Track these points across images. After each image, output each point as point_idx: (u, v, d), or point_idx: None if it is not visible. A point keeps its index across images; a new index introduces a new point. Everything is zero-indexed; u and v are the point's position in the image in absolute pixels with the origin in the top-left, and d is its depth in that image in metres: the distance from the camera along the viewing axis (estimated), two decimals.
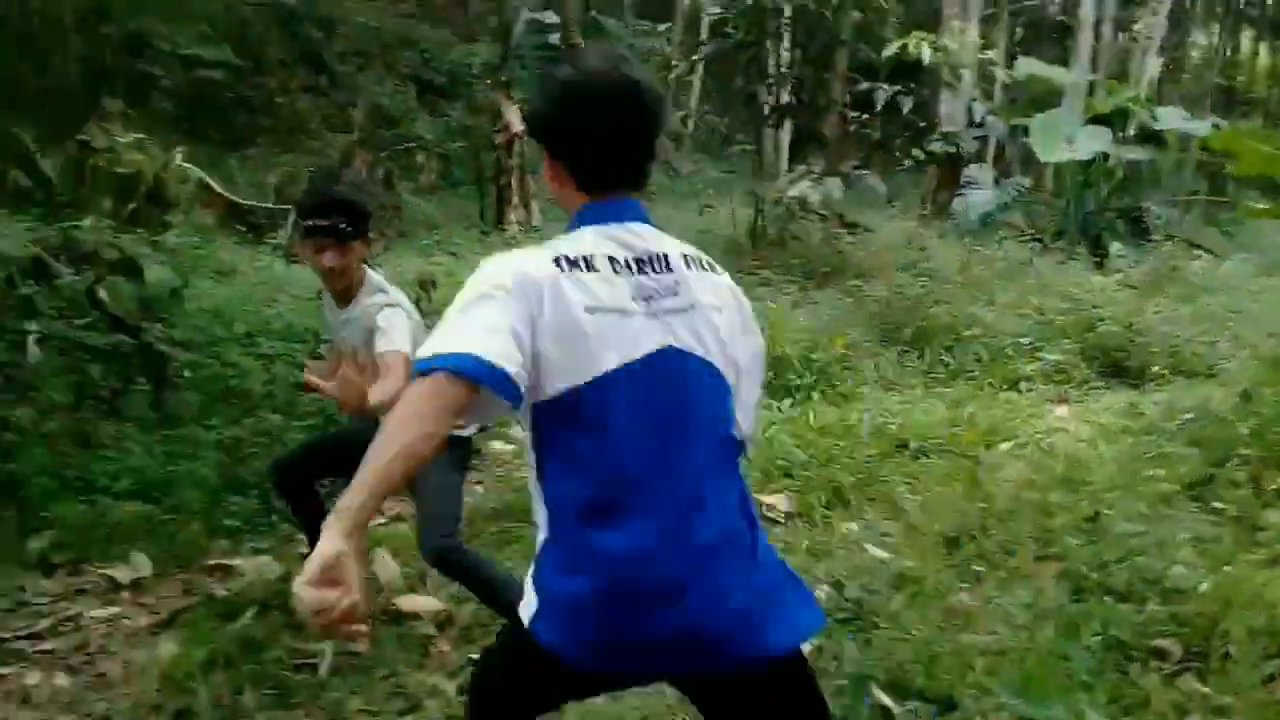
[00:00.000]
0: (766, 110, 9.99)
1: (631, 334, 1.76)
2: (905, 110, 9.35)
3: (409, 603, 3.77)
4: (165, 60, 14.66)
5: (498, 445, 5.70)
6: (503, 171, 12.55)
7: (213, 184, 7.18)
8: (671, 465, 1.77)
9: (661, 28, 16.72)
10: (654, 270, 1.83)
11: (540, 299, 1.71)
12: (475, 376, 1.60)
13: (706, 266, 1.93)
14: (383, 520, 4.76)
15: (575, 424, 1.75)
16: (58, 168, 8.03)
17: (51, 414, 4.70)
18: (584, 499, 1.76)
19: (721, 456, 1.85)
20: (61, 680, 3.35)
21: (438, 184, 15.82)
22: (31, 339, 5.03)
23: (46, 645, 3.55)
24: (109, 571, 4.07)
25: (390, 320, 3.14)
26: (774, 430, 5.58)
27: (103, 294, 5.07)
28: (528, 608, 1.83)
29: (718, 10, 9.85)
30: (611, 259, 1.80)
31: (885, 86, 9.12)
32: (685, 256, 1.89)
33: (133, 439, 4.78)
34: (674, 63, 13.07)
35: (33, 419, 4.61)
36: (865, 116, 9.79)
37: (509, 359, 1.63)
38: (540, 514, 1.83)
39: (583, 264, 1.77)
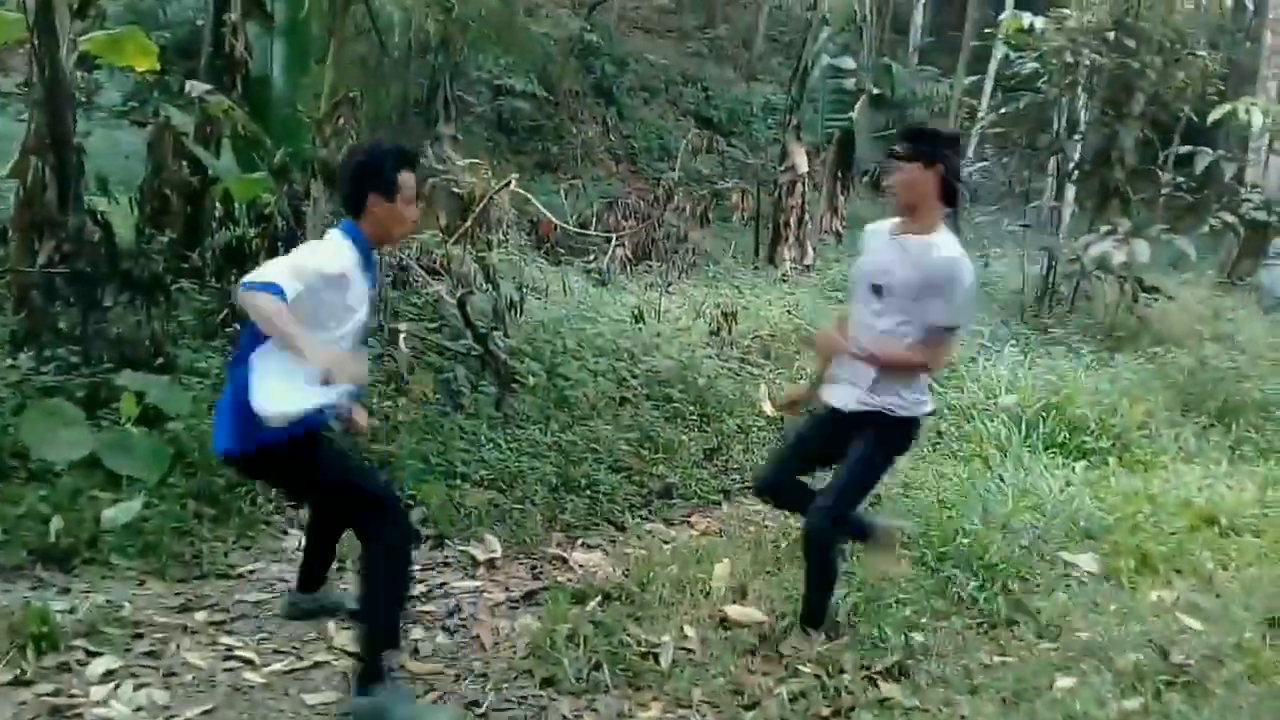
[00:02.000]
0: (1071, 166, 9.86)
1: None
2: (1228, 175, 9.02)
3: (736, 612, 4.08)
4: (477, 88, 15.99)
5: None
6: (781, 209, 12.86)
7: (543, 210, 7.85)
8: None
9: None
10: None
11: None
12: None
13: None
14: (695, 532, 5.13)
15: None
16: None
17: (419, 406, 5.33)
18: None
19: None
20: (442, 639, 3.86)
21: (710, 217, 16.33)
22: (402, 338, 5.73)
23: (426, 607, 4.08)
24: (467, 549, 4.61)
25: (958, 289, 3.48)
26: (1072, 490, 5.58)
27: (468, 304, 5.71)
28: None
29: (1029, 62, 9.76)
30: None
31: (1208, 150, 8.83)
32: None
33: (484, 434, 5.36)
34: (980, 114, 13.01)
35: (405, 408, 5.26)
36: (1177, 179, 9.52)
37: None
38: None
39: None
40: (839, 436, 3.74)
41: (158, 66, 6.83)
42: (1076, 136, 10.07)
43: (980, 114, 13.21)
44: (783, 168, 12.72)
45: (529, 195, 7.96)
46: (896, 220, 3.66)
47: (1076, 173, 10.18)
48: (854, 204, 16.37)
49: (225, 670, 3.40)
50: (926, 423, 3.92)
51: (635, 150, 18.10)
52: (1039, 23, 9.61)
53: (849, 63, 12.50)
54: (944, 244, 3.52)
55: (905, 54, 19.67)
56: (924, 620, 4.12)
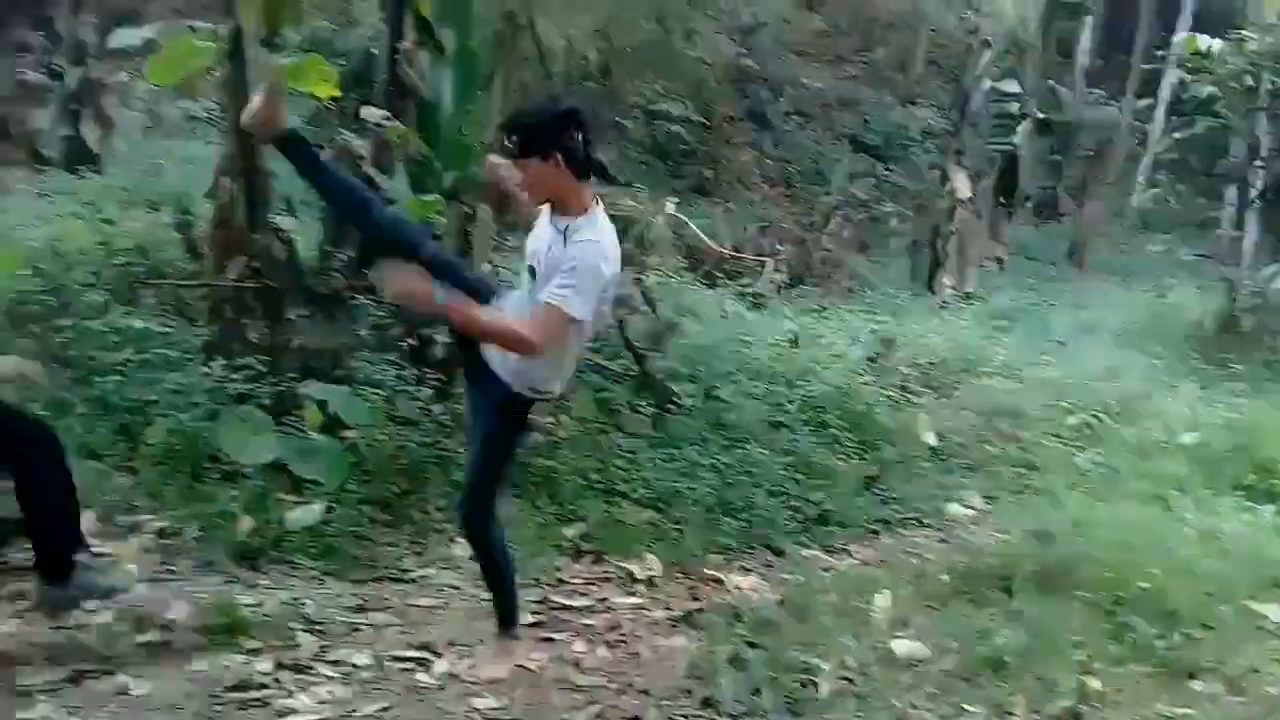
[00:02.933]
0: (1253, 194, 9.38)
1: None
2: None
3: (901, 647, 3.99)
4: (633, 114, 16.22)
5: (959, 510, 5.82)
6: (940, 235, 12.61)
7: (699, 233, 7.92)
8: None
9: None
10: None
11: None
12: None
13: None
14: (854, 561, 5.06)
15: None
16: None
17: (580, 423, 5.43)
18: None
19: None
20: (603, 652, 3.90)
21: (867, 242, 16.12)
22: None
23: (588, 621, 4.14)
24: (627, 565, 4.65)
25: (580, 270, 3.11)
26: (1261, 536, 5.28)
27: (627, 326, 5.80)
28: None
29: (1205, 86, 9.33)
30: None
31: None
32: None
33: (643, 453, 5.41)
34: (1151, 139, 12.53)
35: (565, 425, 5.36)
36: None
37: None
38: None
39: None
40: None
41: (338, 93, 7.19)
42: (1258, 163, 9.56)
43: (1152, 139, 12.68)
44: (943, 193, 12.49)
45: (685, 219, 8.02)
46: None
47: (1259, 201, 9.66)
48: (1017, 230, 15.95)
49: (401, 670, 3.51)
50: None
51: (790, 175, 18.02)
52: (1216, 45, 9.18)
53: (1013, 86, 12.23)
54: (586, 227, 3.20)
55: (1071, 77, 19.02)
56: (1099, 665, 3.95)
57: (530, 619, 4.03)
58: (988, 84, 11.95)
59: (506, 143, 3.26)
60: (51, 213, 8.10)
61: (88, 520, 4.22)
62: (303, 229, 6.47)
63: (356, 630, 3.72)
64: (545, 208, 3.34)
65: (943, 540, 5.40)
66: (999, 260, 14.14)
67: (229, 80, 5.54)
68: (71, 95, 11.00)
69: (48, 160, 10.79)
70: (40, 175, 9.94)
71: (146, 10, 17.77)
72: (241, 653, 3.44)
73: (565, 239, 3.19)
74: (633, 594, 4.45)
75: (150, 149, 12.93)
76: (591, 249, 3.14)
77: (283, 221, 6.08)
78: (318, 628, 3.70)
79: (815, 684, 3.70)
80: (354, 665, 3.49)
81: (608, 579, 4.57)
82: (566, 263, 3.12)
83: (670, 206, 7.78)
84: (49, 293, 5.47)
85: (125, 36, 6.56)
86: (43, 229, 7.20)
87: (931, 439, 6.35)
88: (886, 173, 18.12)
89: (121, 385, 4.93)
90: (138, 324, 5.38)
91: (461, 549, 4.50)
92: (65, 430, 4.61)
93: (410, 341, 5.58)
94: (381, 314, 5.85)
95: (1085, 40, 20.57)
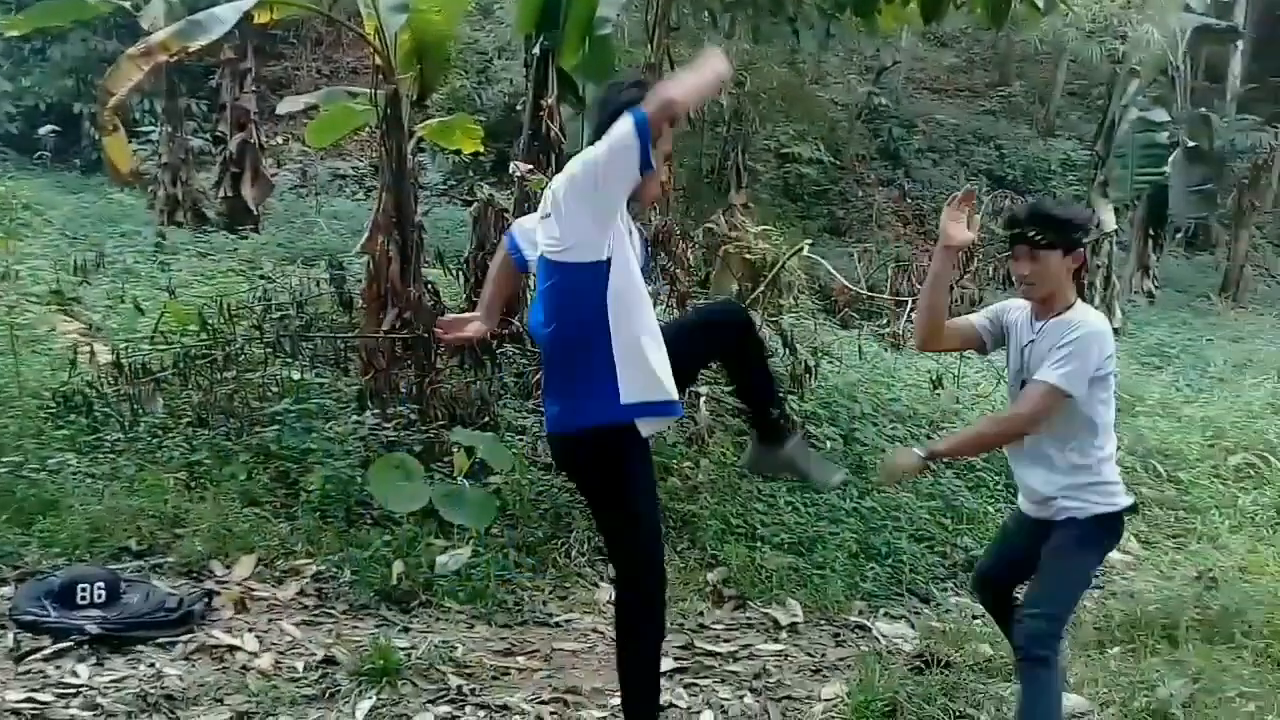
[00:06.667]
0: None
1: None
2: None
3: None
4: (764, 156, 16.28)
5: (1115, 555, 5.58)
6: (1086, 269, 12.23)
7: (835, 274, 7.87)
8: None
9: None
10: None
11: None
12: None
13: None
14: None
15: None
16: (694, 251, 9.26)
17: (719, 467, 5.44)
18: None
19: None
20: (750, 700, 3.87)
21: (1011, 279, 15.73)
22: (702, 401, 5.87)
23: (732, 668, 4.12)
24: (769, 612, 4.62)
25: (1076, 350, 3.15)
26: None
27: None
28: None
29: None
30: None
31: None
32: None
33: (783, 497, 5.38)
34: None
35: (705, 470, 5.37)
36: None
37: None
38: None
39: None
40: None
41: (481, 148, 7.47)
42: None
43: None
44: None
45: (820, 260, 7.98)
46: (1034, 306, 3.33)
47: None
48: (1167, 262, 15.33)
49: (551, 714, 3.57)
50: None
51: (925, 212, 17.75)
52: None
53: (1160, 115, 11.81)
54: (1079, 317, 3.24)
55: (1222, 103, 18.23)
56: (1270, 718, 3.73)
57: (674, 664, 4.05)
58: (1134, 113, 11.59)
59: (1025, 231, 3.20)
60: (214, 270, 8.61)
61: (249, 564, 4.47)
62: (446, 280, 6.72)
63: (506, 674, 3.79)
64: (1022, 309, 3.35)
65: (1098, 587, 5.18)
66: (1149, 293, 13.63)
67: (385, 140, 5.81)
68: (231, 159, 11.68)
69: (210, 221, 11.50)
70: (203, 235, 10.61)
71: (297, 78, 18.80)
72: (392, 694, 3.55)
73: (1057, 331, 3.20)
74: (776, 640, 4.42)
75: (301, 207, 13.66)
76: (1088, 333, 3.16)
77: (430, 273, 6.32)
78: (467, 671, 3.79)
79: None
80: (503, 708, 3.56)
81: (750, 625, 4.55)
82: (1061, 348, 3.15)
83: (805, 248, 7.73)
84: (214, 346, 5.80)
85: (290, 103, 6.96)
86: (206, 286, 7.67)
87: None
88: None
89: (280, 434, 5.18)
90: (295, 375, 5.66)
91: (604, 594, 4.56)
92: (228, 478, 4.91)
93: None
94: (524, 362, 6.01)
95: (1236, 65, 19.72)
